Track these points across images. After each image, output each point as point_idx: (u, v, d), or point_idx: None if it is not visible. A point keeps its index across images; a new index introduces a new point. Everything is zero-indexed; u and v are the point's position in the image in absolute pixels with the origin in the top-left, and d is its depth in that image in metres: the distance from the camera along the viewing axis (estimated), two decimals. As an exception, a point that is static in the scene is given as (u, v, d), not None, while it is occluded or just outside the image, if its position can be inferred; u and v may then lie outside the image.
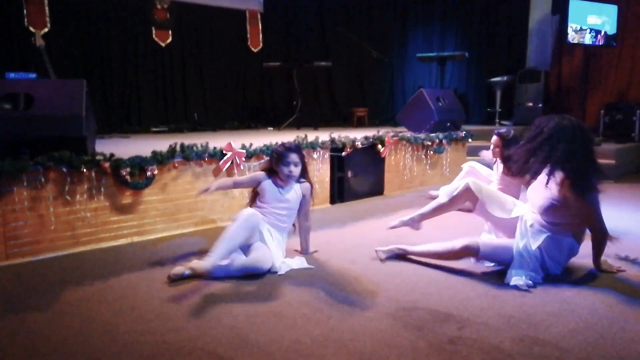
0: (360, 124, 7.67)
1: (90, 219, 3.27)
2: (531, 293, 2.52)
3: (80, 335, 2.10)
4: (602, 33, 7.10)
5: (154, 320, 2.23)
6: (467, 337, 2.06)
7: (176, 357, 1.92)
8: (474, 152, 6.34)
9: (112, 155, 3.29)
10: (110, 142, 4.72)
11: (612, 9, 7.09)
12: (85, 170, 3.16)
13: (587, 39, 7.05)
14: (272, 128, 6.85)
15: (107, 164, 3.23)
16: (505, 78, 7.75)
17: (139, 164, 3.36)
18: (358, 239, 3.55)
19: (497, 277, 2.74)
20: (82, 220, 3.25)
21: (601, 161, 5.37)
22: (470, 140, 6.09)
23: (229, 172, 3.92)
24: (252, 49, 7.39)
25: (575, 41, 7.01)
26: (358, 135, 4.93)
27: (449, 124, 5.86)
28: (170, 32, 6.58)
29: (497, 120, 7.77)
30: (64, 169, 3.10)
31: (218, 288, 2.60)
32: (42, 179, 3.05)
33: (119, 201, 3.40)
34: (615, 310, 2.32)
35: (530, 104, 7.63)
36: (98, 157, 3.23)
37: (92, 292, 2.57)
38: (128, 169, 3.30)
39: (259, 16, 7.41)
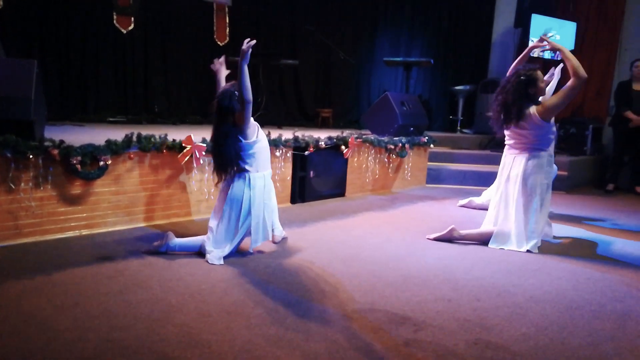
0: (324, 124, 7.65)
1: (35, 208, 3.08)
2: (486, 297, 2.55)
3: (17, 332, 1.96)
4: (561, 49, 7.36)
5: (99, 317, 2.12)
6: (423, 340, 2.05)
7: (120, 357, 1.81)
8: (436, 158, 6.45)
9: (62, 142, 3.11)
10: (62, 129, 4.49)
11: (571, 26, 7.37)
12: (31, 156, 2.98)
13: (547, 54, 7.29)
14: (235, 124, 6.72)
15: (56, 151, 3.05)
16: (467, 87, 7.91)
17: (90, 153, 3.19)
18: (317, 239, 3.51)
19: (454, 282, 2.76)
20: (26, 210, 3.06)
21: (554, 173, 5.51)
22: (432, 145, 6.17)
23: (188, 166, 3.80)
24: (219, 43, 7.22)
25: (535, 55, 7.23)
26: (322, 136, 4.90)
27: (412, 129, 5.92)
28: (132, 18, 6.32)
29: (459, 128, 7.92)
30: (8, 154, 2.91)
31: (170, 285, 2.50)
32: (-17, 164, 2.86)
33: (67, 191, 3.22)
34: (565, 315, 2.38)
35: (491, 114, 7.81)
36: (46, 144, 3.04)
37: (32, 286, 2.41)
38: (79, 158, 3.13)
39: (226, 9, 7.26)
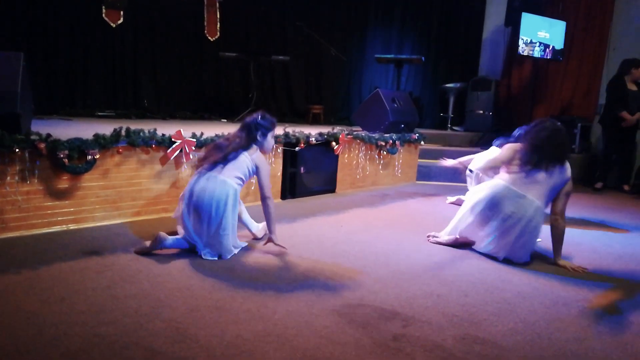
0: (315, 121, 7.64)
1: (21, 203, 3.04)
2: (474, 293, 2.56)
3: (3, 326, 1.93)
4: (551, 47, 7.42)
5: (86, 312, 2.09)
6: (411, 335, 2.06)
7: (107, 352, 1.80)
8: (427, 155, 6.47)
9: (49, 135, 3.07)
10: (50, 123, 4.43)
11: (561, 25, 7.42)
12: (18, 150, 2.93)
13: (537, 52, 7.34)
14: (225, 120, 6.68)
15: (42, 145, 3.01)
16: (458, 85, 7.94)
17: (78, 147, 3.15)
18: (307, 235, 3.51)
19: (443, 278, 2.78)
20: (12, 204, 3.02)
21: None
22: (422, 142, 6.19)
23: (178, 161, 3.77)
24: (209, 38, 7.17)
25: (526, 53, 7.28)
26: (313, 132, 4.89)
27: (402, 126, 5.93)
28: (121, 12, 6.25)
29: (449, 125, 7.96)
30: (-6, 148, 2.87)
31: (159, 280, 2.48)
32: (-32, 157, 2.81)
33: (54, 185, 3.18)
34: (552, 311, 2.40)
35: (481, 112, 7.86)
36: (33, 137, 3.00)
37: (18, 281, 2.38)
38: (66, 152, 3.09)
39: (217, 4, 7.20)
